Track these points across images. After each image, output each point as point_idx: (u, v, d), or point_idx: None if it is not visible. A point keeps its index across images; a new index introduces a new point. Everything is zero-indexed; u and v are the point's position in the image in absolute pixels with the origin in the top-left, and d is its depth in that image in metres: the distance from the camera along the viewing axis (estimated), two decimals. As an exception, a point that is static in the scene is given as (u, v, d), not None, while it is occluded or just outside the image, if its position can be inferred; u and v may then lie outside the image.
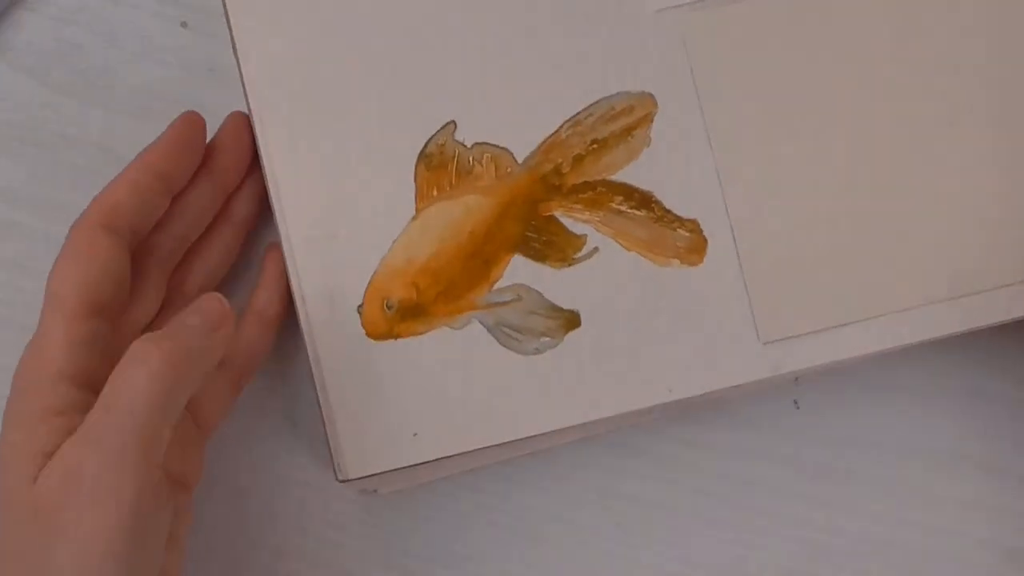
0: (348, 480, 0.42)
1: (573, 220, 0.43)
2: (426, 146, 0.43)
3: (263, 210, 0.45)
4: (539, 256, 0.43)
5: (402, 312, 0.43)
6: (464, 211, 0.43)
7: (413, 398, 0.42)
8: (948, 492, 0.47)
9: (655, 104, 0.44)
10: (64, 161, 0.48)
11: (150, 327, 0.43)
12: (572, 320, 0.43)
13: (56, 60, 0.48)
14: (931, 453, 0.47)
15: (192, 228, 0.44)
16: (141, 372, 0.35)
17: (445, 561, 0.46)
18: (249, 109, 0.43)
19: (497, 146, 0.43)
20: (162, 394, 0.35)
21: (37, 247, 0.47)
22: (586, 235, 0.43)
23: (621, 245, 0.43)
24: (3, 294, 0.47)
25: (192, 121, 0.43)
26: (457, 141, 0.43)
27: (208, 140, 0.44)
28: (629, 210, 0.43)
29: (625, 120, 0.43)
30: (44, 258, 0.46)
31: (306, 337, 0.43)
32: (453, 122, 0.43)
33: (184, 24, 0.48)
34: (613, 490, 0.47)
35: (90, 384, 0.38)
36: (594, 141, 0.43)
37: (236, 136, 0.44)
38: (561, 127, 0.43)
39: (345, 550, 0.46)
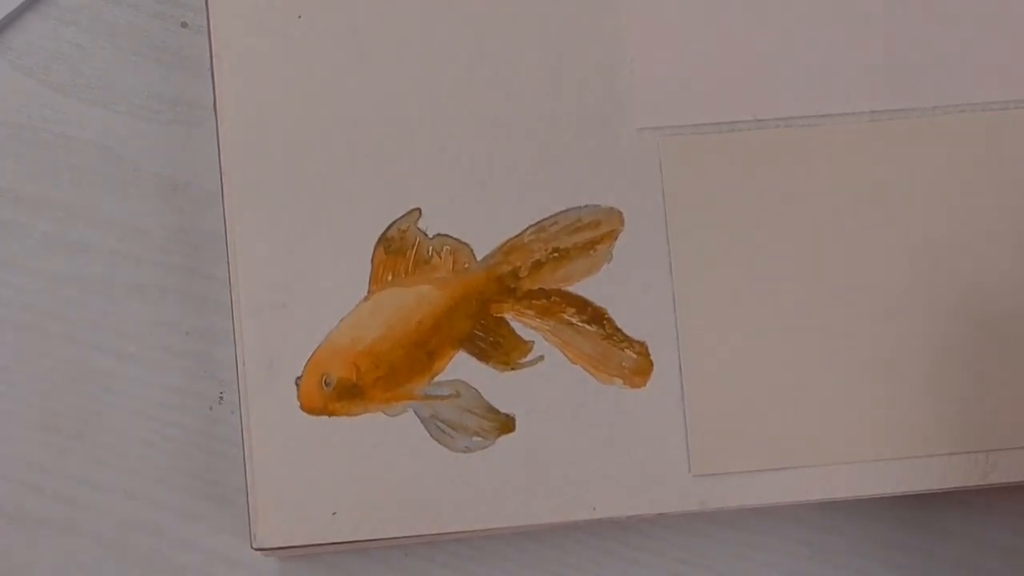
0: (262, 549, 0.42)
1: (523, 325, 0.43)
2: (388, 229, 0.43)
3: None
4: (483, 356, 0.43)
5: (339, 391, 0.43)
6: (416, 300, 0.43)
7: (337, 477, 0.42)
8: None
9: (622, 222, 0.43)
10: (64, 161, 0.48)
11: None
12: (507, 424, 0.43)
13: (56, 60, 0.48)
14: None
15: None
16: None
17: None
18: (220, 165, 0.43)
19: (458, 240, 0.43)
20: None
21: (37, 247, 0.47)
22: (533, 342, 0.43)
23: (567, 357, 0.43)
24: (2, 294, 0.47)
25: None
26: (419, 229, 0.43)
27: None
28: (580, 323, 0.43)
29: (590, 233, 0.43)
30: (44, 258, 0.47)
31: (240, 401, 0.43)
32: (418, 209, 0.43)
33: (184, 24, 0.48)
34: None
35: None
36: (555, 250, 0.43)
37: None
38: (525, 230, 0.43)
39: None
